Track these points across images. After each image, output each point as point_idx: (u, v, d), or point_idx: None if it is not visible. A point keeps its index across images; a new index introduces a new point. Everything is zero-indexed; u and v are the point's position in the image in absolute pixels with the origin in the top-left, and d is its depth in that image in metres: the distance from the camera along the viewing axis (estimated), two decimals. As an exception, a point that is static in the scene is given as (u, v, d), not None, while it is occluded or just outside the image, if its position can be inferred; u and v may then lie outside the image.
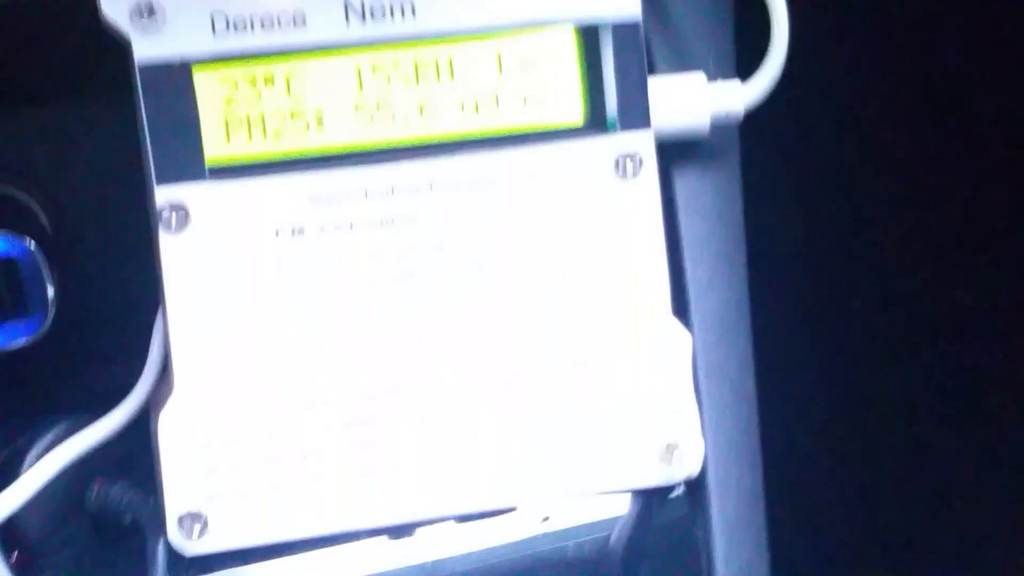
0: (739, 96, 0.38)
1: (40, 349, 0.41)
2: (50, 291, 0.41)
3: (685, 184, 0.39)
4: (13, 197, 0.44)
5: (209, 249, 0.34)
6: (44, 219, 0.45)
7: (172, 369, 0.34)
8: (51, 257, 0.42)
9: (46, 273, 0.41)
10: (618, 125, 0.35)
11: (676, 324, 0.36)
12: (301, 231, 0.34)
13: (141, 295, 0.37)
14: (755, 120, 0.39)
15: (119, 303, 0.43)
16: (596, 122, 0.36)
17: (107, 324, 0.43)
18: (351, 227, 0.35)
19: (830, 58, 0.42)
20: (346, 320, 0.35)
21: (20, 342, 0.41)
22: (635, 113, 0.35)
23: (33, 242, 0.41)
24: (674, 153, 0.39)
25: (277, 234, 0.34)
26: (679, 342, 0.36)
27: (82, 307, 0.42)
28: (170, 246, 0.34)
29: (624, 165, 0.35)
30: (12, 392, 0.41)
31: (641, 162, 0.36)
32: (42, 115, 0.43)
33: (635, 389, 0.36)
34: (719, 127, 0.38)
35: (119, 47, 0.34)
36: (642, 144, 0.36)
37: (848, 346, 0.46)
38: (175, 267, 0.34)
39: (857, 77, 0.43)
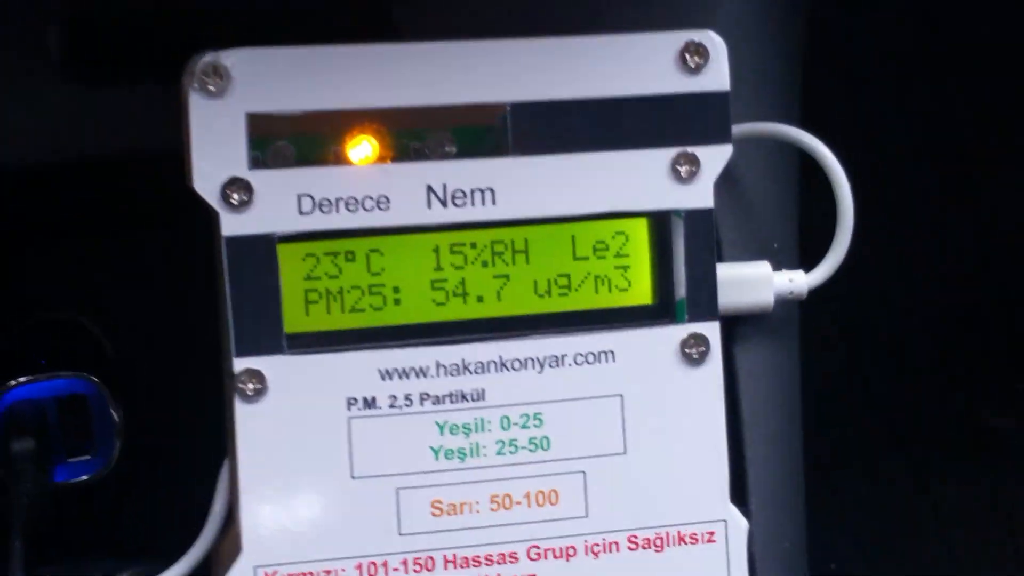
0: (803, 282, 0.39)
1: (102, 485, 0.42)
2: (115, 427, 0.42)
3: (745, 358, 0.40)
4: (79, 324, 0.46)
5: (283, 418, 0.35)
6: (108, 347, 0.46)
7: (240, 532, 0.35)
8: (114, 387, 0.43)
9: (112, 409, 0.42)
10: (686, 314, 0.36)
11: (733, 511, 0.37)
12: (373, 403, 0.35)
13: (204, 429, 0.38)
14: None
15: (181, 437, 0.44)
16: (664, 308, 0.37)
17: (169, 460, 0.44)
18: (420, 401, 0.36)
19: (892, 238, 0.43)
20: (414, 490, 0.35)
21: (84, 478, 0.42)
22: (703, 302, 0.36)
23: (99, 379, 0.42)
24: (736, 325, 0.40)
25: (349, 406, 0.35)
26: (735, 528, 0.37)
27: (144, 443, 0.43)
28: (245, 414, 0.35)
29: (690, 353, 0.36)
30: (73, 527, 0.42)
31: (707, 350, 0.36)
32: (106, 244, 0.44)
33: (690, 570, 0.36)
34: (781, 302, 0.39)
35: (181, 182, 0.35)
36: (708, 333, 0.36)
37: (900, 517, 0.47)
38: (249, 435, 0.35)
39: (917, 250, 0.45)
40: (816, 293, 0.40)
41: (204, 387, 0.38)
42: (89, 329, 0.46)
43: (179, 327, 0.43)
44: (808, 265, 0.40)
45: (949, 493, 0.51)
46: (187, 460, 0.40)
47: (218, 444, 0.37)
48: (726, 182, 0.40)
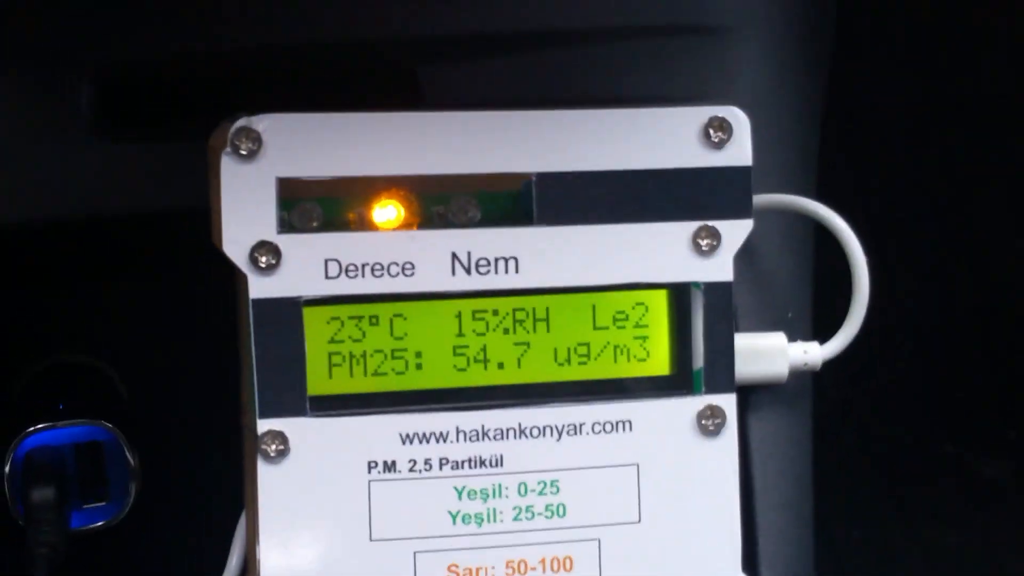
0: (817, 354, 0.39)
1: (118, 532, 0.43)
2: (131, 473, 0.43)
3: (758, 428, 0.40)
4: (93, 368, 0.46)
5: (304, 480, 0.35)
6: (123, 391, 0.46)
7: (258, 590, 0.36)
8: (129, 431, 0.43)
9: (129, 455, 0.43)
10: (703, 386, 0.37)
11: (746, 581, 0.37)
12: (393, 466, 0.36)
13: (219, 478, 0.38)
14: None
15: (197, 484, 0.44)
16: (682, 379, 0.37)
17: (185, 507, 0.44)
18: (440, 465, 0.36)
19: (904, 308, 0.44)
20: (431, 554, 0.36)
21: (99, 524, 0.43)
22: (720, 374, 0.37)
23: (114, 424, 0.43)
24: (750, 395, 0.40)
25: (369, 469, 0.36)
26: (748, 599, 0.37)
27: (160, 489, 0.43)
28: (267, 476, 0.35)
29: (706, 424, 0.37)
30: (86, 574, 0.42)
31: (723, 422, 0.37)
32: (127, 294, 0.45)
33: (701, 640, 0.37)
34: (796, 374, 0.40)
35: (198, 231, 0.36)
36: (725, 405, 0.37)
37: (893, 564, 0.47)
38: (270, 495, 0.35)
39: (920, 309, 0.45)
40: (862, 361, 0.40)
41: (220, 436, 0.38)
42: (105, 372, 0.46)
43: (197, 376, 0.44)
44: (820, 331, 0.41)
45: (941, 540, 0.52)
46: (202, 508, 0.40)
47: (234, 492, 0.37)
48: (743, 251, 0.40)
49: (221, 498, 0.38)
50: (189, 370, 0.45)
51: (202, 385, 0.42)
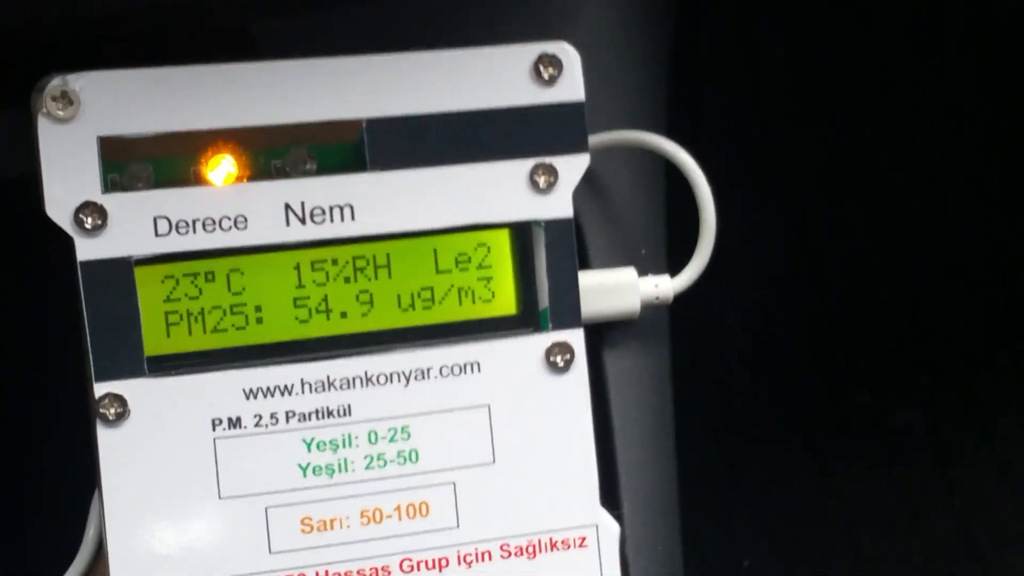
0: (668, 287, 0.39)
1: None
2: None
3: (615, 364, 0.40)
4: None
5: (147, 441, 0.35)
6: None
7: (108, 559, 0.35)
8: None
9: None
10: (550, 323, 0.37)
11: (604, 515, 0.37)
12: (238, 423, 0.35)
13: (77, 462, 0.38)
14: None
15: (54, 469, 0.43)
16: (528, 318, 0.37)
17: (42, 492, 0.43)
18: (286, 419, 0.35)
19: (757, 240, 0.44)
20: (283, 508, 0.35)
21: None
22: (566, 311, 0.37)
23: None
24: (606, 332, 0.40)
25: (214, 426, 0.35)
26: (607, 533, 0.37)
27: (16, 475, 0.42)
28: (108, 440, 0.35)
29: (555, 361, 0.37)
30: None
31: (572, 358, 0.37)
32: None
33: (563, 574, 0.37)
34: (649, 308, 0.40)
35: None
36: (573, 341, 0.37)
37: (809, 515, 0.48)
38: (112, 460, 0.35)
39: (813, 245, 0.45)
40: (721, 295, 0.40)
41: (72, 410, 0.38)
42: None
43: (48, 352, 0.43)
44: (677, 267, 0.41)
45: (856, 490, 0.52)
46: (63, 488, 0.39)
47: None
48: (593, 189, 0.40)
49: (85, 476, 0.37)
50: (43, 345, 0.44)
51: (56, 361, 0.41)
